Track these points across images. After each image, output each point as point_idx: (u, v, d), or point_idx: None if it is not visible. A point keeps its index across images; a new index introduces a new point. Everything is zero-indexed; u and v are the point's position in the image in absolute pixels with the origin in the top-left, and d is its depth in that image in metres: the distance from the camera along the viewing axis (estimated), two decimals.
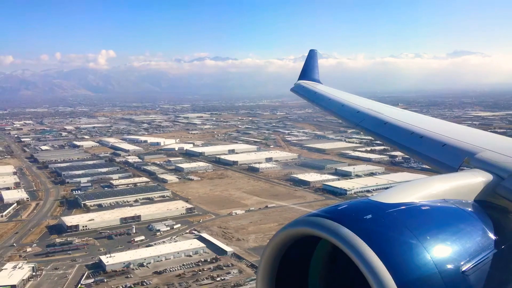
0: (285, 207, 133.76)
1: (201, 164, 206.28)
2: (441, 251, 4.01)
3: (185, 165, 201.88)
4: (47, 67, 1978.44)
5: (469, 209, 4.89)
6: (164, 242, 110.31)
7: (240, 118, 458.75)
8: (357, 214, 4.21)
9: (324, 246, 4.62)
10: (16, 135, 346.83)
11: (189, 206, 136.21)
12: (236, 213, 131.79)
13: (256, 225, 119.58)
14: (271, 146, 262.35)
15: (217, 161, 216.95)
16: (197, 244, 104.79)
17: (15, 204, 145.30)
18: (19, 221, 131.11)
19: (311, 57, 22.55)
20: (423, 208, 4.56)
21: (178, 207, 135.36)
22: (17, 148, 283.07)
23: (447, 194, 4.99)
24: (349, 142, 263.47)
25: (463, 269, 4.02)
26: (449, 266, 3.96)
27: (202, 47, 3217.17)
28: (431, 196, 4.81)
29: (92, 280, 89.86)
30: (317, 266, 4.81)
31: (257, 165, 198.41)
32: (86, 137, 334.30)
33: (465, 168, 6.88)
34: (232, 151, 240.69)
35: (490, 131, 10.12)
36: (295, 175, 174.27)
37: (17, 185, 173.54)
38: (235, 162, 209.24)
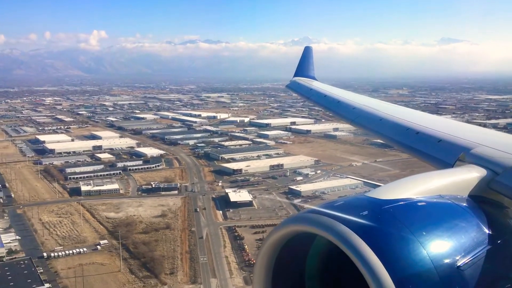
0: (393, 160, 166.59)
1: (281, 132, 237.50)
2: (437, 247, 4.10)
3: (268, 132, 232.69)
4: (35, 47, 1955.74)
5: (465, 205, 5.01)
6: (321, 181, 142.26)
7: (263, 98, 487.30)
8: (354, 210, 4.28)
9: (321, 242, 4.68)
10: (65, 109, 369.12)
11: (315, 158, 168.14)
12: (355, 164, 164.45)
13: (384, 172, 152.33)
14: (322, 120, 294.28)
15: (287, 130, 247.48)
16: (354, 181, 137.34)
17: (160, 157, 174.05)
18: (178, 168, 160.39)
19: (306, 54, 22.83)
20: (419, 204, 4.68)
21: (307, 159, 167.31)
22: (84, 119, 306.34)
23: (443, 189, 5.11)
24: None
25: (459, 264, 4.11)
26: (445, 261, 4.04)
27: (192, 30, 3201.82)
28: (427, 192, 4.94)
29: (300, 199, 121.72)
30: (314, 262, 4.89)
31: (331, 133, 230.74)
32: (137, 111, 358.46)
33: (460, 163, 6.97)
34: (293, 123, 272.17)
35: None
36: (376, 140, 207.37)
37: (138, 145, 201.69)
38: (308, 131, 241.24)
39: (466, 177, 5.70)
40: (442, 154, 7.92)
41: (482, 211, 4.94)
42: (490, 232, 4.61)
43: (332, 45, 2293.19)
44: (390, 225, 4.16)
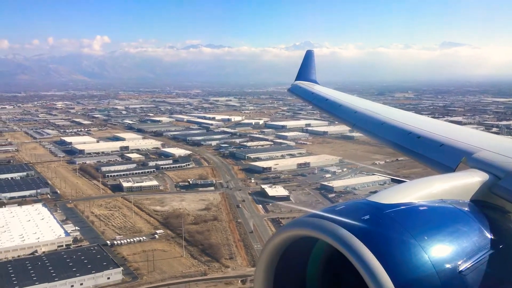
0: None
1: (299, 133, 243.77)
2: (438, 251, 4.05)
3: (286, 134, 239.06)
4: (39, 52, 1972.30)
5: (467, 209, 4.95)
6: (350, 178, 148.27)
7: (271, 101, 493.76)
8: (355, 215, 4.26)
9: (322, 247, 4.67)
10: (79, 113, 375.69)
11: (339, 157, 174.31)
12: (378, 163, 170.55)
13: (407, 169, 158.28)
14: (335, 122, 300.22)
15: (304, 132, 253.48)
16: (382, 178, 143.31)
17: (188, 157, 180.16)
18: (208, 167, 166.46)
19: (308, 57, 22.92)
20: (421, 208, 4.65)
21: (332, 158, 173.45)
22: (101, 122, 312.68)
23: (445, 194, 5.07)
24: None
25: (461, 269, 4.06)
26: (447, 266, 3.99)
27: (195, 35, 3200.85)
28: (428, 196, 4.90)
29: (334, 194, 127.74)
30: (315, 266, 4.86)
31: (348, 134, 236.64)
32: (151, 114, 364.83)
33: (462, 168, 6.94)
34: (308, 125, 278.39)
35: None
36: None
37: (162, 146, 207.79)
38: (325, 132, 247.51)
39: (468, 181, 5.69)
40: (444, 158, 7.89)
41: (484, 215, 4.95)
42: (492, 237, 4.60)
43: (333, 49, 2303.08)
44: (391, 230, 4.15)
